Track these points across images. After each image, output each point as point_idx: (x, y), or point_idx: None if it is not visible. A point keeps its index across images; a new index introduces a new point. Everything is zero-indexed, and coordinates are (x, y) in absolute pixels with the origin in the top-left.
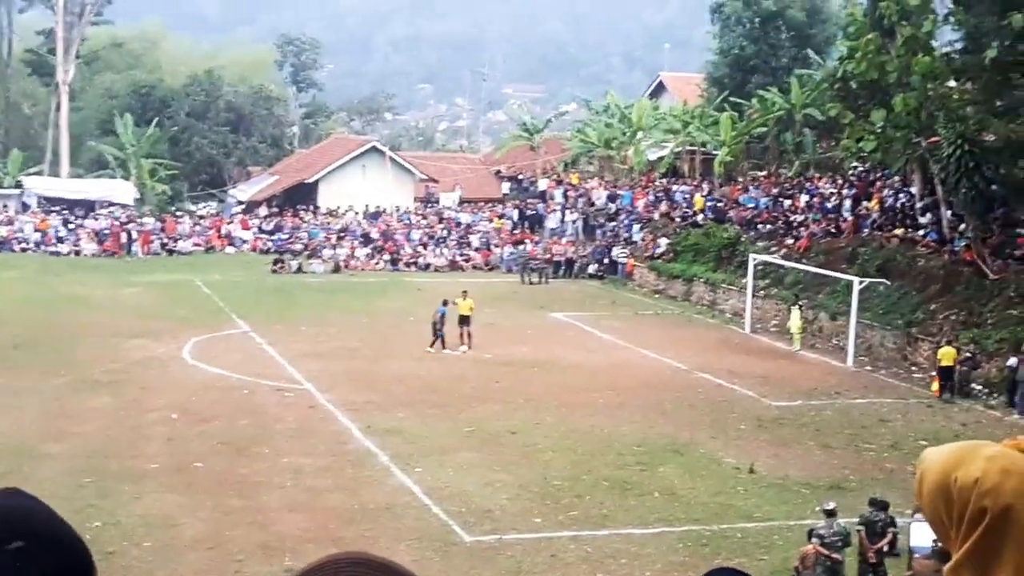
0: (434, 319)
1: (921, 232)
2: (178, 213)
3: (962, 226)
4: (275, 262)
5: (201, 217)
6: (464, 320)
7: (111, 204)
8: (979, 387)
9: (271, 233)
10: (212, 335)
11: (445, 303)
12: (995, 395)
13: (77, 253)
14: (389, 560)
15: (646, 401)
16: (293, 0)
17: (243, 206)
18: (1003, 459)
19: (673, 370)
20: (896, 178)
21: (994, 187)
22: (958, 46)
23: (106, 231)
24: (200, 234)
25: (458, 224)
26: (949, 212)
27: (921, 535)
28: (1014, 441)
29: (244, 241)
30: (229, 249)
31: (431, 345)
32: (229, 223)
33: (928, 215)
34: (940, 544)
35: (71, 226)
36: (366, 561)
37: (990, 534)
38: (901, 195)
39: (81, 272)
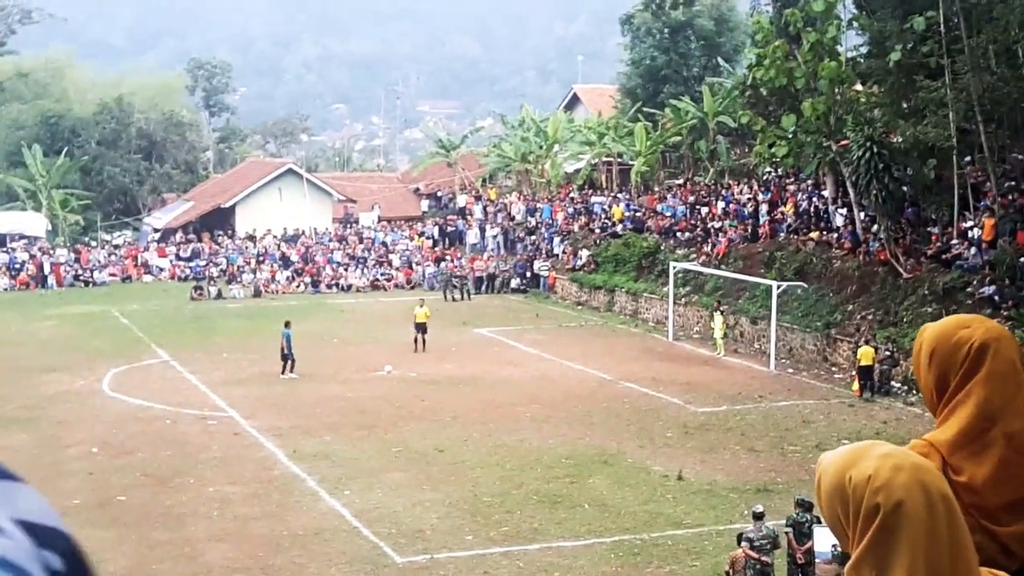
0: (281, 344)
1: (835, 234)
2: (92, 243)
3: (875, 227)
4: (194, 289)
5: (116, 246)
6: (420, 327)
7: (22, 237)
8: (898, 385)
9: (189, 260)
10: (132, 366)
11: (287, 325)
12: (914, 392)
13: None
14: None
15: (573, 413)
16: (199, 25)
17: (159, 234)
18: (895, 456)
19: (598, 381)
20: (809, 182)
21: (904, 187)
22: (863, 50)
23: (17, 265)
24: (116, 264)
25: (380, 244)
26: (862, 214)
27: (822, 540)
28: (919, 442)
29: (162, 269)
30: (147, 278)
31: (283, 371)
32: (145, 251)
33: (841, 217)
34: (839, 548)
35: None
36: None
37: (884, 530)
38: (814, 198)
39: None
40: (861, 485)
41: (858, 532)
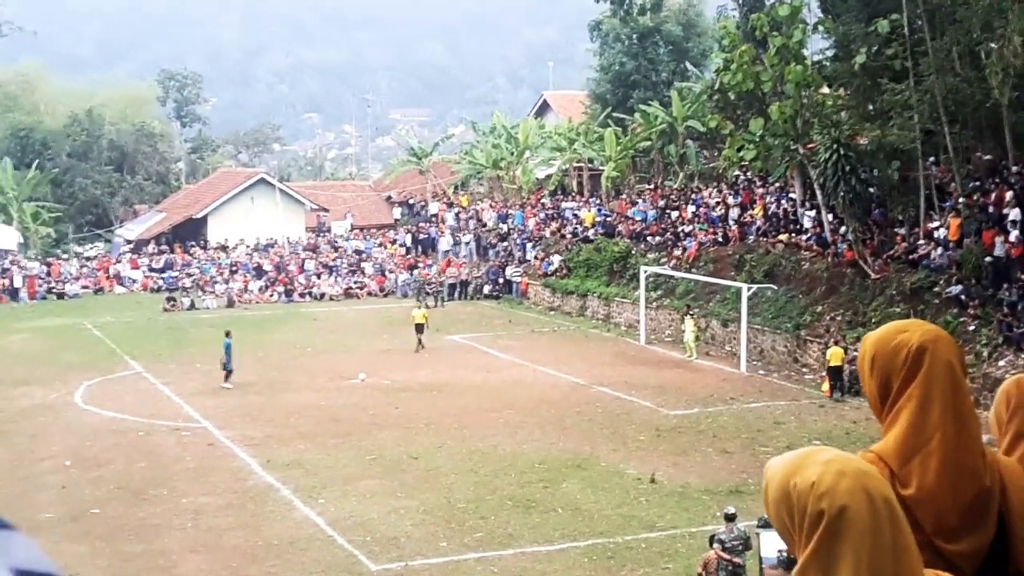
0: (222, 356)
1: (804, 236)
2: (64, 256)
3: (843, 228)
4: (167, 300)
5: (88, 259)
6: (419, 328)
7: None
8: None
9: (161, 271)
10: (105, 378)
11: (228, 334)
12: None
13: None
14: None
15: (546, 418)
16: (169, 35)
17: (131, 245)
18: (838, 462)
19: (571, 385)
20: (777, 185)
21: (870, 189)
22: (829, 54)
23: None
24: (88, 276)
25: (353, 252)
26: (830, 215)
27: (768, 545)
28: (866, 454)
29: (134, 281)
30: (119, 289)
31: (226, 379)
32: (117, 263)
33: (809, 219)
34: (786, 553)
35: None
36: None
37: (829, 535)
38: (783, 201)
39: None
40: (805, 491)
41: (804, 537)
